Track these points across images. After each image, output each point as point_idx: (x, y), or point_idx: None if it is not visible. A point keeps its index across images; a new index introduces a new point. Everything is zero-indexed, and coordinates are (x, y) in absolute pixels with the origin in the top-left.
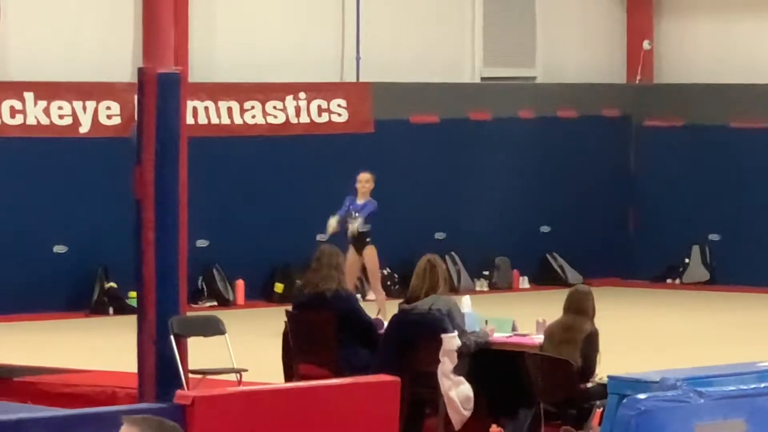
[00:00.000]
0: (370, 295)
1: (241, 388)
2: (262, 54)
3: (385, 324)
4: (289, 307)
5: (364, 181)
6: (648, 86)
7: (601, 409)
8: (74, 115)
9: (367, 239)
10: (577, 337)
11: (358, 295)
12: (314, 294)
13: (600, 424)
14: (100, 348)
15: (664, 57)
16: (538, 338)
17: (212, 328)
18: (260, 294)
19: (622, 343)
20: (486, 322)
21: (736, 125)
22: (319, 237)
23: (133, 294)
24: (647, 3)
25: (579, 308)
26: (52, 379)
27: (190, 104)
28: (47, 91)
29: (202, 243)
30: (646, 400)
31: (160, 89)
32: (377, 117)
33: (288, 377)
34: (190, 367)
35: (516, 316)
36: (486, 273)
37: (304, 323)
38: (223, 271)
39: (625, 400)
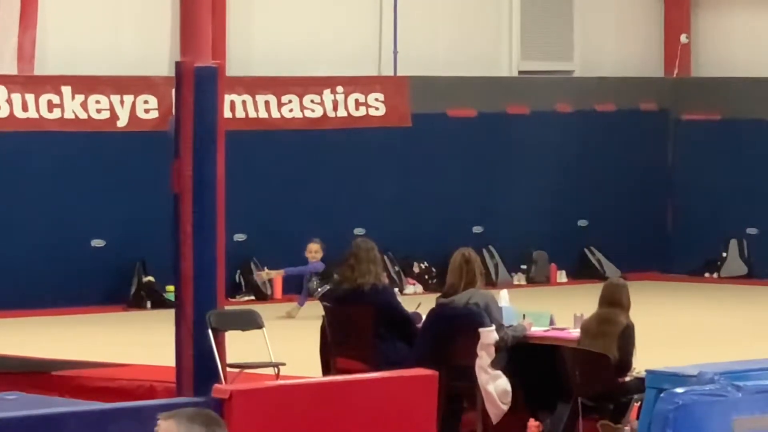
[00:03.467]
0: (408, 289)
1: (279, 382)
2: (299, 48)
3: (423, 318)
4: (327, 302)
5: (314, 251)
6: (685, 80)
7: (639, 403)
8: (112, 109)
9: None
10: (612, 330)
11: (396, 289)
12: (352, 288)
13: (638, 418)
14: (138, 342)
15: (702, 51)
16: (576, 332)
17: (250, 322)
18: (298, 288)
19: (660, 337)
20: (524, 316)
21: None
22: (356, 231)
23: (170, 288)
24: None
25: (613, 300)
26: (90, 373)
27: (228, 98)
28: (85, 85)
29: (239, 237)
30: (683, 394)
31: (198, 83)
32: (414, 111)
33: (326, 371)
34: (228, 361)
35: (554, 310)
36: (524, 267)
37: (342, 317)
38: (261, 264)
39: (662, 394)
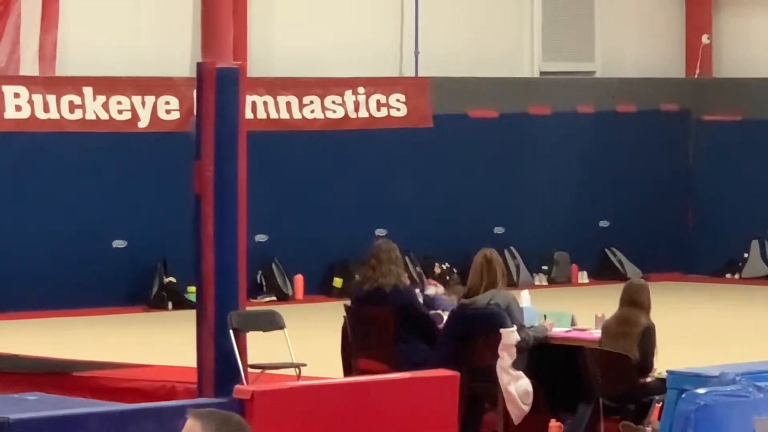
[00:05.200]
0: (430, 290)
1: (300, 382)
2: (320, 49)
3: (444, 318)
4: (348, 302)
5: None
6: (707, 81)
7: (661, 403)
8: (133, 110)
9: None
10: (633, 331)
11: (417, 290)
12: (373, 289)
13: (659, 418)
14: (159, 343)
15: (723, 51)
16: (597, 333)
17: (271, 322)
18: (319, 288)
19: (681, 338)
20: (545, 317)
21: None
22: (378, 232)
23: (192, 289)
24: None
25: (634, 301)
26: (111, 374)
27: (249, 99)
28: (106, 86)
29: (261, 238)
30: (705, 394)
31: (219, 84)
32: (436, 112)
33: (347, 372)
34: (249, 361)
35: (575, 310)
36: (545, 268)
37: (363, 318)
38: (282, 265)
39: (684, 395)
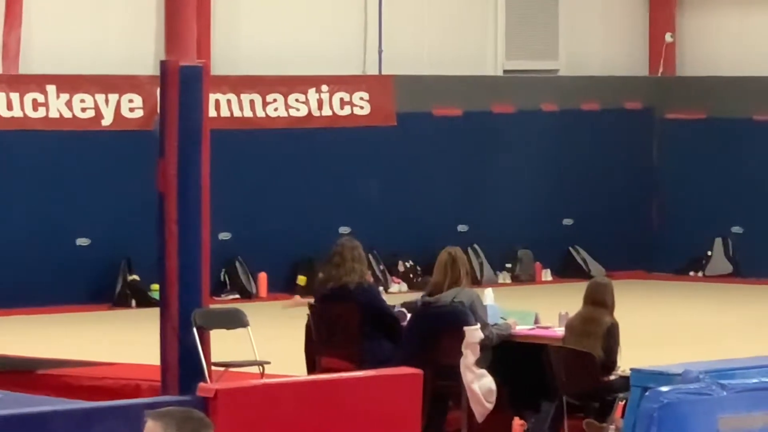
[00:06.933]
0: (393, 287)
1: (264, 380)
2: (284, 47)
3: (408, 316)
4: (312, 300)
5: None
6: (670, 79)
7: (624, 401)
8: (97, 108)
9: None
10: (596, 329)
11: (380, 288)
12: (337, 287)
13: (623, 416)
14: (123, 341)
15: (687, 50)
16: (561, 331)
17: (235, 320)
18: (283, 287)
19: (645, 336)
20: (507, 317)
21: (758, 118)
22: (341, 230)
23: (155, 287)
24: None
25: (598, 300)
26: (75, 372)
27: (213, 97)
28: (70, 84)
29: (224, 236)
30: (668, 392)
31: (183, 82)
32: (400, 110)
33: (311, 370)
34: (213, 359)
35: (539, 308)
36: (509, 266)
37: (327, 316)
38: (246, 263)
39: (647, 393)
